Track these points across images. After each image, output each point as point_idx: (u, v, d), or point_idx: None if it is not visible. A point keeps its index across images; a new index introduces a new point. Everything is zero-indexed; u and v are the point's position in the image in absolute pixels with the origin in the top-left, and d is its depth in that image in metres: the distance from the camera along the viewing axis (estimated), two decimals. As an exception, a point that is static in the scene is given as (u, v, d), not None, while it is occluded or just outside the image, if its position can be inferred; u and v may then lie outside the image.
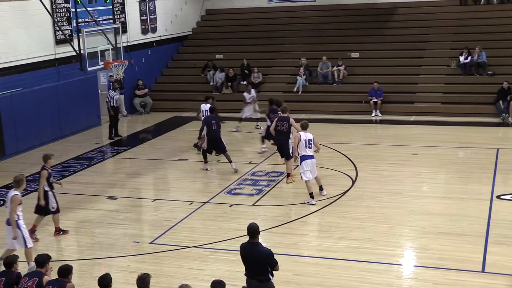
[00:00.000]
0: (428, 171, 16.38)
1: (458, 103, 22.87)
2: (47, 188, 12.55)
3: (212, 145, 16.61)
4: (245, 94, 21.26)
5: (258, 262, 8.37)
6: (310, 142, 13.81)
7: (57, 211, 12.70)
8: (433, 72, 24.65)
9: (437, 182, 15.69)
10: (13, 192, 10.84)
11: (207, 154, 16.85)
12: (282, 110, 15.89)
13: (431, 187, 15.27)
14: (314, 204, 13.71)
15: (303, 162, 13.77)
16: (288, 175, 15.51)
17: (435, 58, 25.14)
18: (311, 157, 13.85)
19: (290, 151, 15.30)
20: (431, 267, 10.64)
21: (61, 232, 12.74)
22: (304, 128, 13.96)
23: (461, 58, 23.75)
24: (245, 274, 8.53)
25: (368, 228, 12.45)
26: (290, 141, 15.40)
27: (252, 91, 21.45)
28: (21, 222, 10.83)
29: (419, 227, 12.43)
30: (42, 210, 12.57)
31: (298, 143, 13.80)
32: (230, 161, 16.45)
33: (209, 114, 17.17)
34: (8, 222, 10.84)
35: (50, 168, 12.79)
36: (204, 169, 16.85)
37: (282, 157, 16.01)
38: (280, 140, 15.72)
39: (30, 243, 10.88)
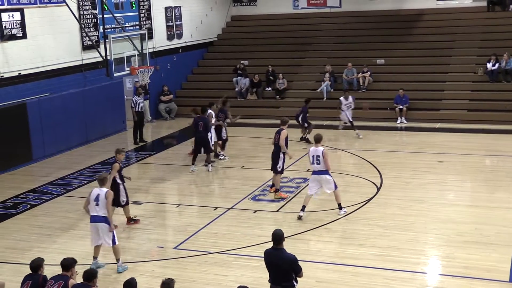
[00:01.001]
0: (454, 179, 16.22)
1: (485, 110, 22.64)
2: (118, 181, 12.98)
3: (199, 145, 17.51)
4: (341, 98, 20.96)
5: (283, 268, 8.35)
6: (318, 158, 13.19)
7: (127, 203, 13.24)
8: (460, 79, 24.43)
9: (463, 190, 15.51)
10: (104, 189, 11.08)
11: (196, 155, 17.76)
12: (281, 122, 15.07)
13: (457, 195, 15.11)
14: (299, 217, 13.38)
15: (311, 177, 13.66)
16: (276, 190, 15.02)
17: (461, 65, 24.92)
18: (317, 172, 13.34)
19: (281, 165, 14.86)
20: (456, 276, 10.52)
21: (133, 222, 13.32)
22: (317, 141, 13.37)
23: (489, 65, 23.50)
24: (269, 281, 8.51)
25: (393, 235, 12.36)
26: (281, 155, 14.79)
27: (350, 97, 20.95)
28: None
29: (445, 236, 12.30)
30: (114, 201, 12.78)
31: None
32: (209, 163, 17.54)
33: (200, 114, 17.76)
34: (98, 219, 11.02)
35: (120, 162, 13.35)
36: (191, 170, 17.49)
37: (272, 169, 15.20)
38: (273, 153, 15.09)
39: (117, 241, 11.17)
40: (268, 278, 8.52)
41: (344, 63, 25.20)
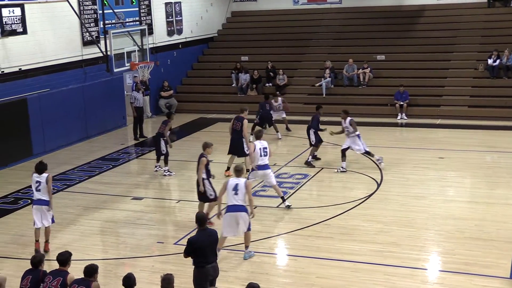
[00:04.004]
0: (454, 175, 16.21)
1: (486, 107, 22.63)
2: (204, 176, 12.78)
3: (265, 121, 20.24)
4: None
5: (214, 243, 9.07)
6: (265, 150, 13.83)
7: (215, 199, 12.77)
8: (460, 75, 24.41)
9: (464, 186, 15.51)
10: (243, 179, 11.24)
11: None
12: (240, 110, 16.12)
13: (457, 191, 15.10)
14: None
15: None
16: (247, 170, 15.27)
17: (462, 61, 24.89)
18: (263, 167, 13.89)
19: (247, 148, 15.43)
20: (457, 272, 10.52)
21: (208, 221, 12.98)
22: (258, 137, 14.09)
23: (490, 61, 23.47)
24: (201, 265, 8.89)
25: (393, 231, 12.36)
26: (243, 140, 15.76)
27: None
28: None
29: (445, 232, 12.30)
30: (203, 196, 12.92)
31: (253, 151, 13.89)
32: (277, 131, 20.26)
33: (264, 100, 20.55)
34: (238, 208, 11.07)
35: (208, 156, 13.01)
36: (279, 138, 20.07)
37: (229, 153, 16.26)
38: (234, 139, 16.02)
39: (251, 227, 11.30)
40: (198, 263, 8.91)
41: (344, 59, 25.18)
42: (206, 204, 12.99)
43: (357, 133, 16.30)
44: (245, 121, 15.88)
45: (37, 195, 11.71)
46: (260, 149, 13.82)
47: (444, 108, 23.07)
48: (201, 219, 9.11)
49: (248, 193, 11.20)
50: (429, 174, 16.16)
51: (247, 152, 15.49)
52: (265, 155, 13.79)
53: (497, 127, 20.96)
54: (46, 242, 11.88)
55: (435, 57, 25.30)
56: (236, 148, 16.07)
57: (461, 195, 14.83)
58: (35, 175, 11.73)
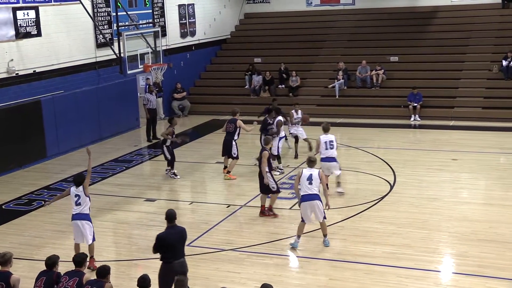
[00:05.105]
0: (468, 176, 16.13)
1: (500, 108, 22.48)
2: (266, 169, 13.23)
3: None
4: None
5: (183, 239, 9.26)
6: (332, 143, 14.25)
7: (277, 191, 13.47)
8: (474, 77, 24.26)
9: (477, 188, 15.41)
10: (316, 170, 11.86)
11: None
12: (233, 113, 16.78)
13: (471, 193, 15.02)
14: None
15: None
16: (228, 172, 16.47)
17: (476, 62, 24.74)
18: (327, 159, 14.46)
19: (235, 151, 16.38)
20: (470, 275, 10.46)
21: (272, 213, 13.44)
22: (326, 130, 14.42)
23: (504, 62, 23.30)
24: (169, 261, 8.99)
25: (406, 233, 12.31)
26: (233, 142, 16.37)
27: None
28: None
29: (458, 234, 12.24)
30: (266, 188, 13.33)
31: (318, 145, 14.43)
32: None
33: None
34: (314, 198, 11.59)
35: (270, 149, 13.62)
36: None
37: (223, 155, 16.71)
38: (225, 140, 16.62)
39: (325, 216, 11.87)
40: (165, 259, 9.03)
41: (357, 61, 25.12)
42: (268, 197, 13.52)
43: (280, 135, 16.97)
44: (239, 121, 16.48)
45: (76, 210, 11.06)
46: (325, 142, 14.30)
47: (458, 110, 22.94)
48: (170, 216, 9.28)
49: (323, 182, 11.77)
50: (443, 176, 16.08)
51: (234, 156, 16.40)
52: (331, 148, 14.21)
53: (511, 129, 20.80)
54: (91, 258, 11.24)
55: (448, 58, 25.17)
56: (226, 149, 16.58)
57: (475, 197, 14.74)
58: (73, 188, 11.12)
